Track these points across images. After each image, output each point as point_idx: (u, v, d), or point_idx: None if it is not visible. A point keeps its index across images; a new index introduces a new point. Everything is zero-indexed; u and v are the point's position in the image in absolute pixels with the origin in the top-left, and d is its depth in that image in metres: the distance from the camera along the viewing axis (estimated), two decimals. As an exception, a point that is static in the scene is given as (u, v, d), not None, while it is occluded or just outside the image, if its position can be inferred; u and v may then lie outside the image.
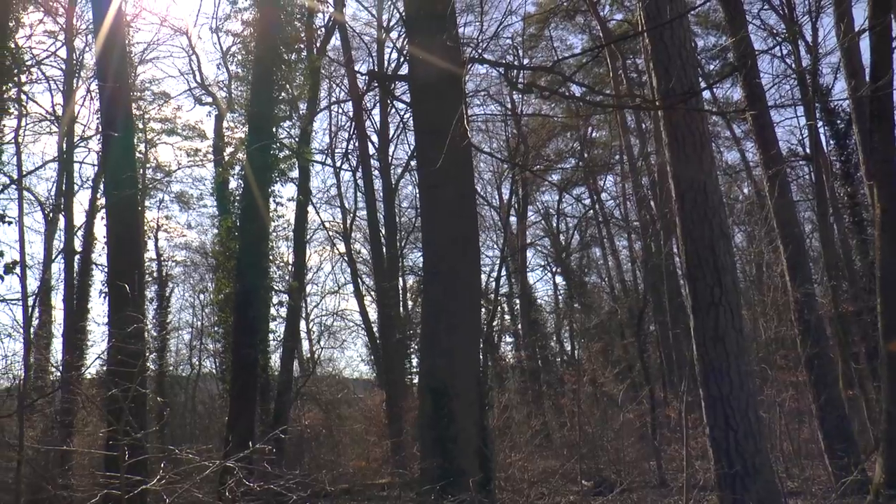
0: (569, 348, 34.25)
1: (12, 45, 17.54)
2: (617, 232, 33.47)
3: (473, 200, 12.43)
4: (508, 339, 34.53)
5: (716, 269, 7.97)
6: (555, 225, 34.96)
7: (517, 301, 32.70)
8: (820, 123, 18.26)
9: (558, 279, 35.58)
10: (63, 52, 24.48)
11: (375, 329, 25.08)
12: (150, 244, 29.73)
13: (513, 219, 31.62)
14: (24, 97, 21.88)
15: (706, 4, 20.98)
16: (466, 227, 11.35)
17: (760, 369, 13.51)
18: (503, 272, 29.67)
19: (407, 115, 25.05)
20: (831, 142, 18.02)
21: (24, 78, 21.28)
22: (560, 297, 35.53)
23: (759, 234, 18.44)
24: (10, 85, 17.80)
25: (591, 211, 33.20)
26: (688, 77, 8.35)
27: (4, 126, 19.33)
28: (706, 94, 22.36)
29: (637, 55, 27.32)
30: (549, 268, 36.12)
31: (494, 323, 29.33)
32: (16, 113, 21.90)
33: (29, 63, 22.18)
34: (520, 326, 32.83)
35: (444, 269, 10.87)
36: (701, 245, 8.11)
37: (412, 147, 25.15)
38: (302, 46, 19.22)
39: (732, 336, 7.84)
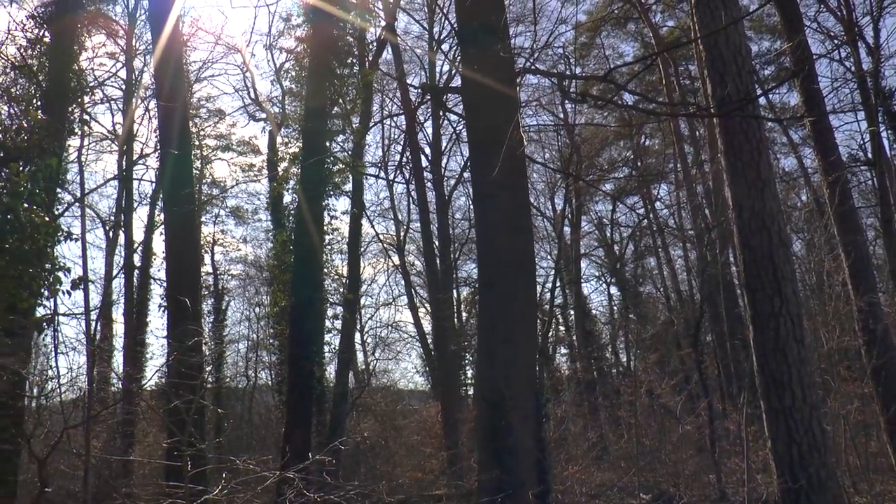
0: (624, 359, 33.84)
1: (76, 68, 18.11)
2: (672, 241, 33.03)
3: (528, 211, 12.42)
4: (563, 351, 34.33)
5: (775, 279, 7.82)
6: (609, 235, 34.68)
7: (572, 312, 32.48)
8: (882, 127, 17.79)
9: (613, 290, 35.26)
10: (123, 73, 25.21)
11: (430, 340, 25.17)
12: (207, 258, 30.37)
13: (567, 229, 31.46)
14: (86, 118, 22.56)
15: (761, 9, 20.66)
16: (521, 239, 11.32)
17: (823, 381, 13.17)
18: (557, 283, 29.54)
19: (460, 127, 25.20)
20: (895, 146, 17.57)
21: (87, 99, 21.98)
22: (615, 308, 35.20)
23: (819, 241, 18.02)
24: (74, 106, 18.36)
25: (646, 220, 32.84)
26: (743, 83, 8.23)
27: (69, 146, 19.96)
28: (762, 100, 21.98)
29: (690, 61, 27.02)
30: (603, 278, 35.81)
31: (549, 334, 29.17)
32: (79, 133, 22.57)
33: (91, 84, 22.89)
34: (575, 338, 32.57)
35: (499, 281, 10.85)
36: (759, 254, 7.97)
37: (465, 158, 25.27)
38: (354, 61, 19.45)
39: (794, 347, 7.67)
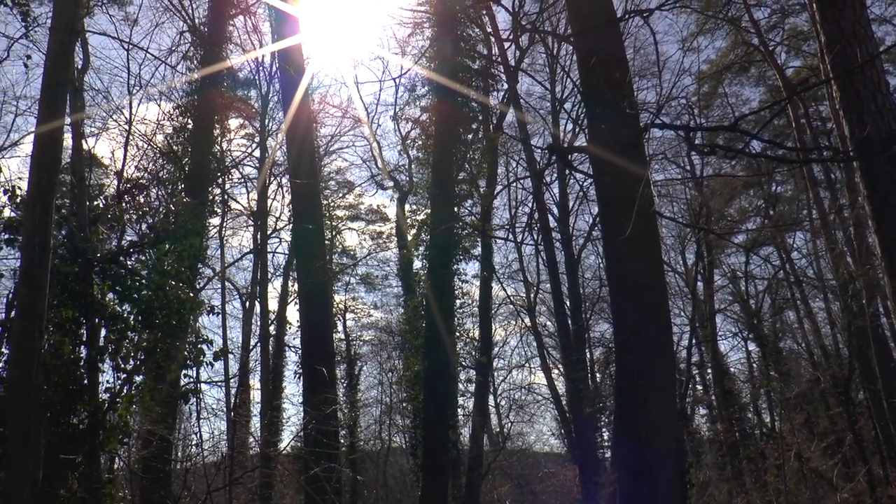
0: (768, 420, 32.13)
1: (216, 151, 19.28)
2: (812, 293, 31.38)
3: (662, 269, 12.10)
4: (702, 411, 32.98)
5: (939, 329, 7.28)
6: (744, 289, 33.37)
7: (709, 370, 31.27)
8: None
9: (751, 346, 33.72)
10: (258, 153, 26.62)
11: (564, 402, 24.77)
12: (339, 325, 31.14)
13: (699, 284, 30.49)
14: (226, 197, 23.87)
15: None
16: (656, 298, 11.02)
17: None
18: (693, 341, 28.57)
19: (586, 185, 25.06)
20: None
21: (225, 180, 23.31)
22: (754, 365, 33.62)
23: None
24: (213, 186, 19.49)
25: (782, 271, 31.46)
26: (885, 122, 7.82)
27: (209, 224, 21.15)
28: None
29: (820, 101, 26.05)
30: (740, 334, 34.36)
31: (688, 394, 28.16)
32: (219, 212, 23.90)
33: (229, 165, 24.30)
34: (713, 397, 31.28)
35: (635, 342, 10.57)
36: (919, 304, 7.46)
37: (593, 216, 25.09)
38: (479, 126, 19.79)
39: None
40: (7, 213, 9.64)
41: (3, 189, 9.30)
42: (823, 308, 30.62)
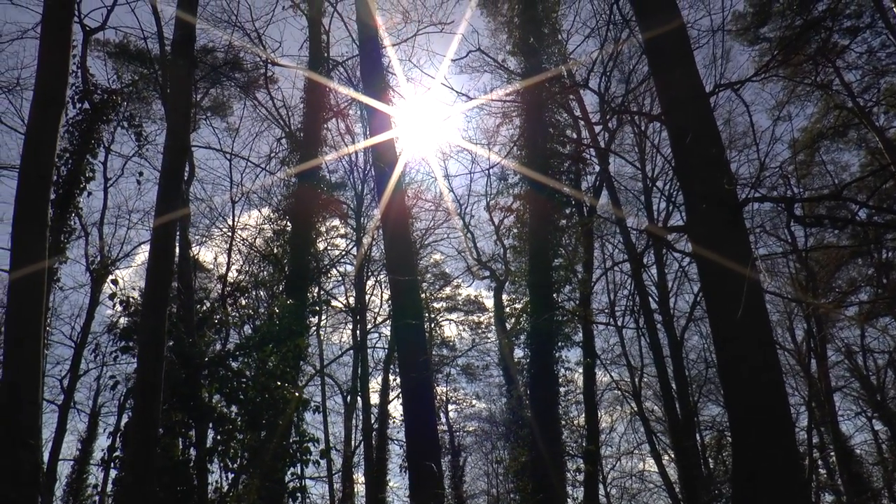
0: (907, 506, 29.84)
1: (314, 251, 19.77)
2: (943, 365, 29.45)
3: (773, 346, 11.55)
4: (828, 498, 30.89)
5: None
6: (862, 363, 31.56)
7: (832, 453, 29.43)
8: None
9: (877, 425, 31.65)
10: (354, 250, 27.16)
11: (678, 490, 23.72)
12: (441, 416, 30.89)
13: (812, 361, 29.03)
14: (326, 297, 24.35)
15: None
16: (769, 377, 10.48)
17: None
18: (811, 422, 27.08)
19: (685, 263, 24.47)
20: None
21: (323, 279, 23.83)
22: (883, 447, 31.48)
23: None
24: (313, 285, 19.90)
25: (902, 343, 29.66)
26: None
27: (311, 323, 21.52)
28: None
29: (927, 161, 24.96)
30: (864, 413, 32.32)
31: (812, 480, 26.53)
32: (318, 310, 24.39)
33: (326, 265, 24.86)
34: (840, 482, 29.35)
35: (752, 427, 10.03)
36: None
37: (694, 295, 24.42)
38: (573, 211, 19.72)
39: None
40: (122, 321, 10.03)
41: (119, 300, 9.67)
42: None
